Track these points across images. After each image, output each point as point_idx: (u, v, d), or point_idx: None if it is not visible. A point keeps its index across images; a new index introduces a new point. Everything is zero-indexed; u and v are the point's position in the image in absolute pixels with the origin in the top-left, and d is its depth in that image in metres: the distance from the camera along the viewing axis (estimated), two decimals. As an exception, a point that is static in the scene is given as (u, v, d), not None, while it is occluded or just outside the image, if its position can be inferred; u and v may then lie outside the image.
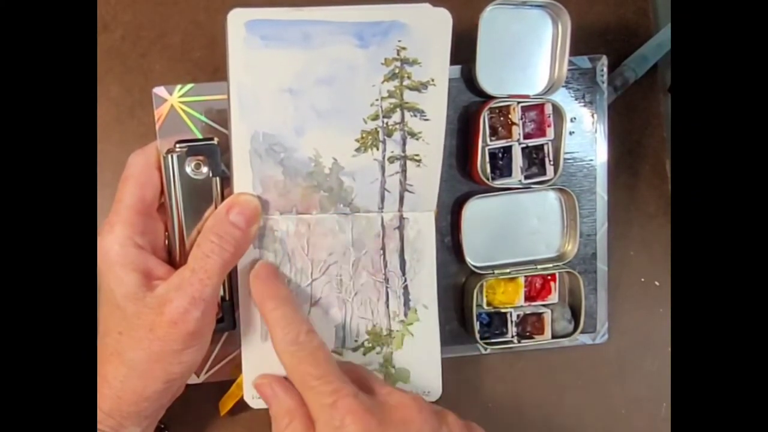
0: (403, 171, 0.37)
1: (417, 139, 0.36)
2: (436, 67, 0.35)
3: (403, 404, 0.33)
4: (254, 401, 0.38)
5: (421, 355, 0.39)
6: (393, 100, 0.35)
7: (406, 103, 0.36)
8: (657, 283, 0.48)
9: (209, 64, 0.44)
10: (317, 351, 0.34)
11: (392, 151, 0.36)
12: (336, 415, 0.31)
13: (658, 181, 0.48)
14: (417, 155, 0.37)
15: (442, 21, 0.34)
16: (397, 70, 0.35)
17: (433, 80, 0.35)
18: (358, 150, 0.36)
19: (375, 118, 0.36)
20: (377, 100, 0.35)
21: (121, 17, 0.44)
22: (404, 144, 0.36)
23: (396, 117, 0.36)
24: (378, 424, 0.31)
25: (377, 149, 0.36)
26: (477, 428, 0.35)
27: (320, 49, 0.34)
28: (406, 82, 0.35)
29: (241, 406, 0.40)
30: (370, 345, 0.39)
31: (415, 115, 0.36)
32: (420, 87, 0.35)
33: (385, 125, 0.36)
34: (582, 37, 0.45)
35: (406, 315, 0.39)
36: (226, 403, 0.42)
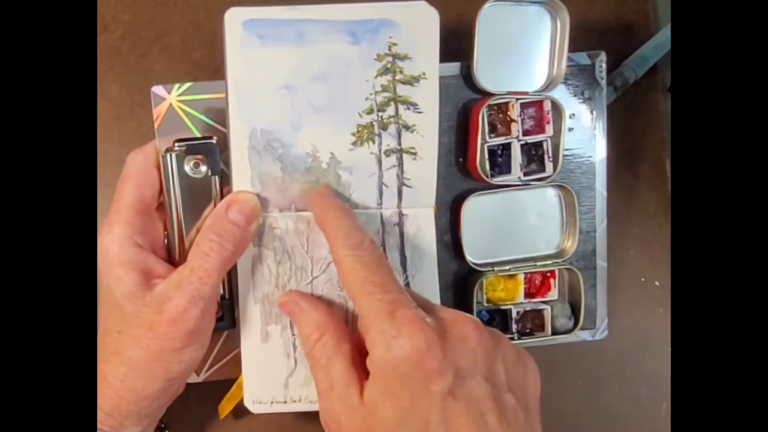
0: (400, 164, 0.37)
1: (412, 132, 0.37)
2: (427, 61, 0.36)
3: (461, 320, 0.31)
4: (254, 406, 0.37)
5: None
6: (387, 94, 0.36)
7: (400, 96, 0.36)
8: (657, 283, 0.48)
9: (209, 64, 0.45)
10: (380, 259, 0.32)
11: (388, 144, 0.37)
12: (394, 324, 0.29)
13: (658, 181, 0.48)
14: (413, 148, 0.37)
15: (430, 17, 0.36)
16: (389, 65, 0.36)
17: (424, 74, 0.36)
18: (354, 144, 0.36)
19: (370, 111, 0.36)
20: (371, 94, 0.36)
21: (121, 17, 0.44)
22: (399, 137, 0.37)
23: (390, 110, 0.36)
24: (437, 337, 0.29)
25: (373, 143, 0.37)
26: (527, 356, 0.33)
27: (315, 46, 0.35)
28: (398, 77, 0.36)
29: (242, 407, 0.40)
30: None
31: (409, 108, 0.37)
32: (412, 81, 0.36)
33: (379, 119, 0.36)
34: (582, 36, 0.46)
35: None
36: (226, 406, 0.42)
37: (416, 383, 0.29)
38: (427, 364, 0.29)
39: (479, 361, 0.30)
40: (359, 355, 0.32)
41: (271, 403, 0.38)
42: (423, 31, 0.36)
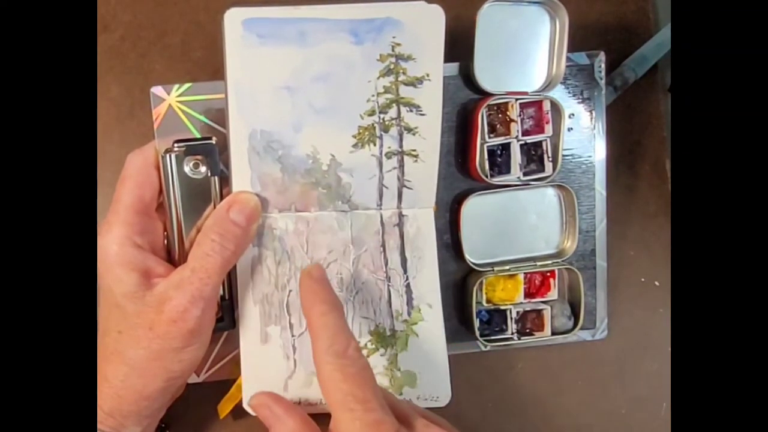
0: (401, 166, 0.37)
1: (414, 135, 0.37)
2: (431, 63, 0.36)
3: None
4: None
5: (427, 357, 0.38)
6: (389, 96, 0.36)
7: (402, 98, 0.36)
8: (657, 283, 0.48)
9: (209, 64, 0.44)
10: (365, 371, 0.30)
11: (389, 147, 0.37)
12: None
13: (658, 181, 0.48)
14: (414, 150, 0.37)
15: (435, 17, 0.35)
16: (392, 66, 0.36)
17: (428, 75, 0.36)
18: (355, 146, 0.36)
19: (371, 113, 0.36)
20: (373, 95, 0.36)
21: (121, 17, 0.44)
22: (401, 139, 0.37)
23: (392, 112, 0.36)
24: None
25: (374, 145, 0.36)
26: None
27: (316, 46, 0.35)
28: (401, 78, 0.36)
29: (241, 407, 0.40)
30: (374, 346, 0.38)
31: (411, 111, 0.36)
32: (415, 82, 0.36)
33: (381, 121, 0.36)
34: (582, 36, 0.45)
35: (409, 314, 0.38)
36: (225, 406, 0.42)
37: None
38: None
39: None
40: None
41: None
42: (428, 31, 0.35)
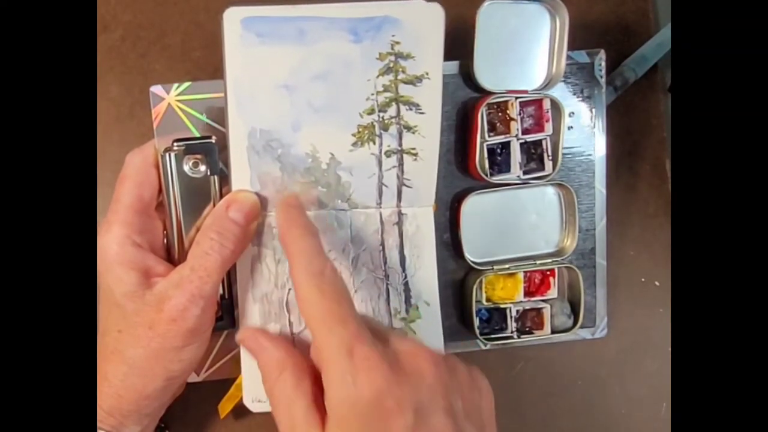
0: (400, 165, 0.37)
1: (413, 133, 0.37)
2: (430, 61, 0.36)
3: (418, 354, 0.31)
4: (254, 405, 0.37)
5: None
6: (388, 94, 0.36)
7: (401, 96, 0.36)
8: (657, 283, 0.48)
9: (209, 64, 0.45)
10: (342, 290, 0.31)
11: (389, 145, 0.37)
12: (351, 361, 0.29)
13: (658, 181, 0.48)
14: (413, 149, 0.37)
15: (435, 15, 0.35)
16: (391, 65, 0.35)
17: (427, 74, 0.36)
18: (354, 144, 0.36)
19: (371, 112, 0.36)
20: (372, 94, 0.36)
21: (121, 17, 0.44)
22: (400, 138, 0.37)
23: (392, 111, 0.36)
24: (393, 374, 0.29)
25: (374, 143, 0.36)
26: (479, 377, 0.33)
27: (315, 44, 0.35)
28: (400, 76, 0.36)
29: (241, 406, 0.40)
30: None
31: (411, 109, 0.36)
32: (414, 81, 0.36)
33: (380, 119, 0.36)
34: (582, 36, 0.45)
35: (407, 312, 0.38)
36: (226, 406, 0.42)
37: (376, 423, 0.28)
38: (386, 403, 0.28)
39: (438, 395, 0.30)
40: (321, 391, 0.30)
41: None
42: (427, 29, 0.35)
